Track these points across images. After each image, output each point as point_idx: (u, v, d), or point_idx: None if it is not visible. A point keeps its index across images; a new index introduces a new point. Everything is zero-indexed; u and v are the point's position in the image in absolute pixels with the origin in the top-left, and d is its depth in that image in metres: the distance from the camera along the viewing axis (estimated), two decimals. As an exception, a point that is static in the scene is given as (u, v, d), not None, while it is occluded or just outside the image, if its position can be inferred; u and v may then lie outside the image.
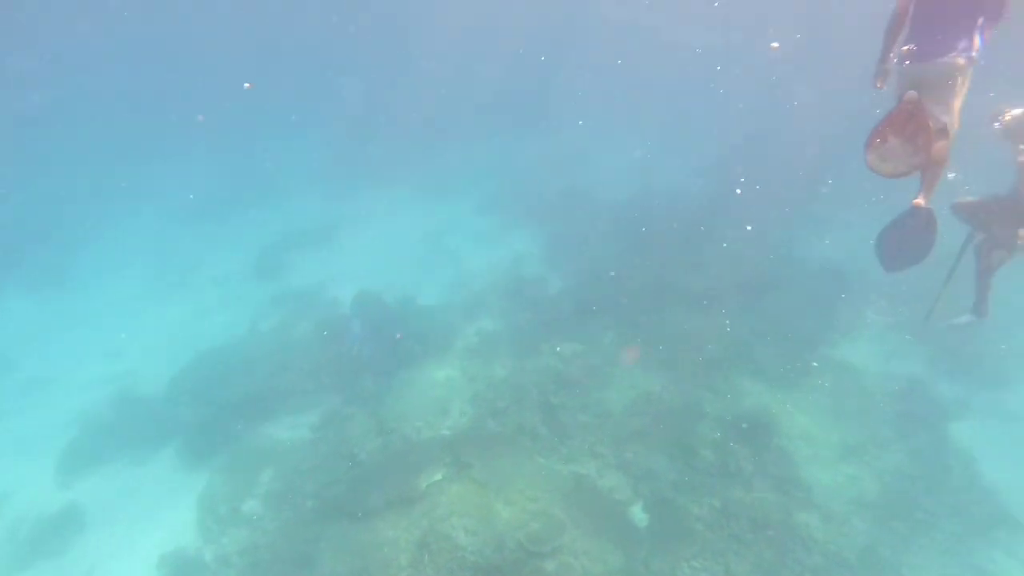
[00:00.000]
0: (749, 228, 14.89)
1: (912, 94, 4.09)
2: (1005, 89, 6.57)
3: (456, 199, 18.63)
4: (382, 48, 32.30)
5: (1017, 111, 5.34)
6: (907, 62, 4.22)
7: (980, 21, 4.13)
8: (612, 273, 13.82)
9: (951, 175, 5.63)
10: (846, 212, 17.17)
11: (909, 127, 4.14)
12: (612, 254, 14.62)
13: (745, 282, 13.70)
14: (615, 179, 19.02)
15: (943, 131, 4.33)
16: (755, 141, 19.43)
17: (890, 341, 13.42)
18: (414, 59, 30.08)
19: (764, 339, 12.57)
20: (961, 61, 4.12)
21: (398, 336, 12.67)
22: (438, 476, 9.93)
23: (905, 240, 4.84)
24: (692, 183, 18.38)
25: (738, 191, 16.13)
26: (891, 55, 4.45)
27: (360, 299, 14.18)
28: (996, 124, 5.38)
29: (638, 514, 9.46)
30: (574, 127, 23.23)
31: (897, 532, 9.39)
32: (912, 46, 4.22)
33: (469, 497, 9.49)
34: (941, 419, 11.46)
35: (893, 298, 13.81)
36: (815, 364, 12.40)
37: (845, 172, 17.06)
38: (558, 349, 12.34)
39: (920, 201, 4.50)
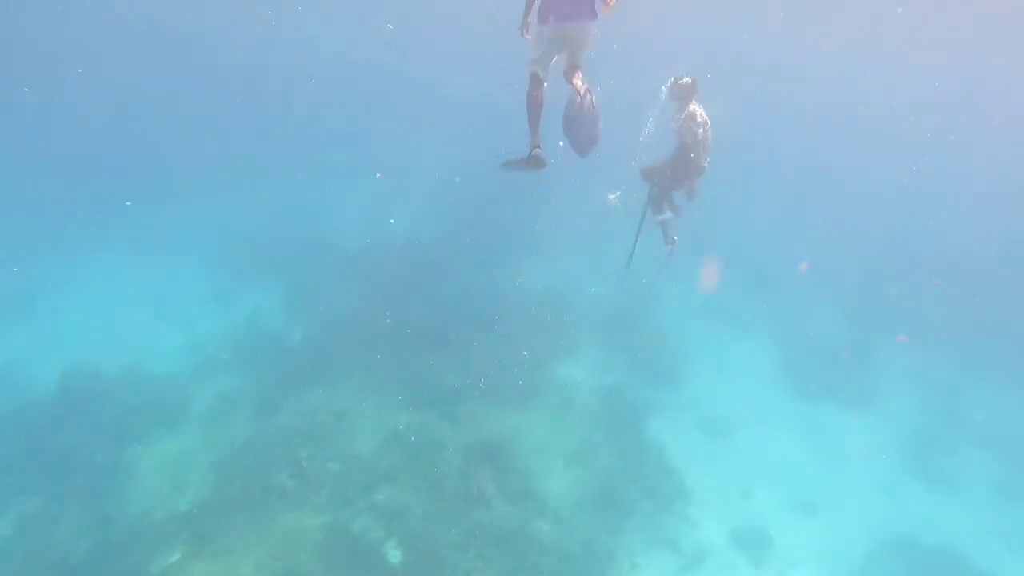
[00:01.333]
0: (478, 265, 16.39)
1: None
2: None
3: (183, 257, 17.24)
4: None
5: (684, 79, 6.84)
6: (552, 22, 5.33)
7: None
8: (353, 317, 14.13)
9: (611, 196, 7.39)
10: (558, 242, 19.75)
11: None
12: (353, 300, 14.94)
13: (477, 315, 15.03)
14: (351, 227, 19.43)
15: (577, 67, 5.67)
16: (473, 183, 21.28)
17: (599, 356, 15.82)
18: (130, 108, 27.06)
19: (497, 365, 13.92)
20: (591, 25, 5.39)
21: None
22: (175, 557, 9.23)
23: (577, 125, 5.96)
24: (426, 227, 19.57)
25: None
26: (529, 16, 5.55)
27: (69, 375, 12.41)
28: (663, 87, 6.91)
29: (391, 551, 9.87)
30: (305, 176, 23.21)
31: (609, 521, 11.14)
32: (553, 10, 5.31)
33: (212, 572, 9.02)
34: (638, 417, 13.85)
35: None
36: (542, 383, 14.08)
37: (555, 205, 19.74)
38: (303, 400, 12.26)
39: (577, 83, 5.66)
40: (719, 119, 7.02)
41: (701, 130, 6.91)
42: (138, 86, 29.13)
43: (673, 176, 7.36)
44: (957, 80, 38.97)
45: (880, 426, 15.29)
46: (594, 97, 5.79)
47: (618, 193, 7.78)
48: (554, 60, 5.55)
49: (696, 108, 6.94)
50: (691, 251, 22.20)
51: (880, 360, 17.53)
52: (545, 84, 5.53)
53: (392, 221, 19.41)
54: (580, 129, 5.95)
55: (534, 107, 5.45)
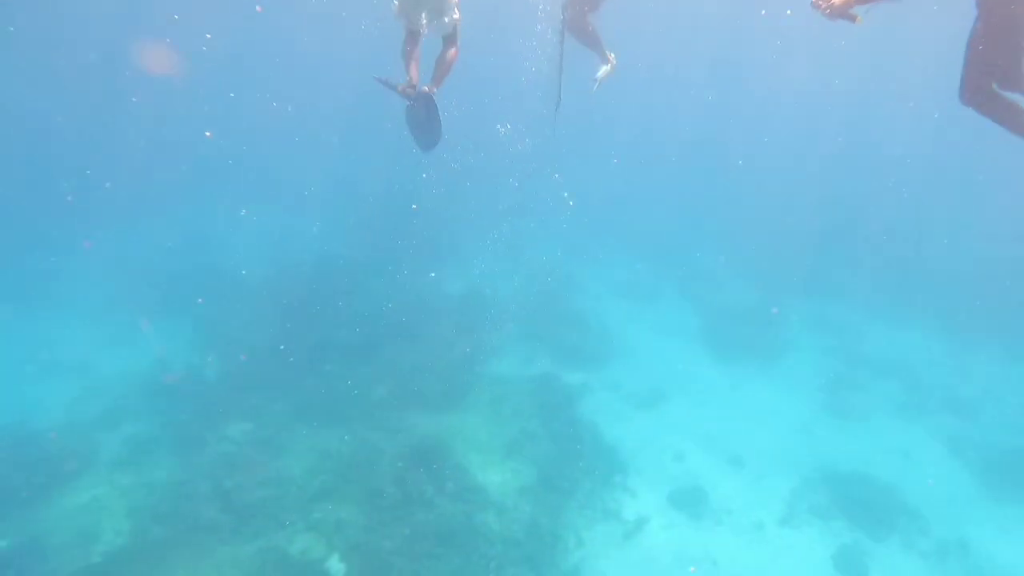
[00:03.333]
0: (394, 277, 16.29)
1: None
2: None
3: (68, 304, 16.17)
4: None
5: None
6: None
7: None
8: (270, 344, 13.71)
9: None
10: (475, 244, 19.94)
11: None
12: (268, 326, 14.48)
13: (399, 325, 14.92)
14: (255, 255, 18.89)
15: (453, 36, 6.08)
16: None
17: (525, 349, 16.03)
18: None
19: (424, 372, 13.86)
20: None
21: None
22: None
23: (422, 125, 6.45)
24: (335, 246, 19.30)
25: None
26: None
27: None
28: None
29: (335, 565, 9.59)
30: (194, 208, 22.43)
31: (551, 504, 11.25)
32: None
33: None
34: (570, 402, 14.10)
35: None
36: (471, 382, 14.13)
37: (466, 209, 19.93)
38: (225, 434, 11.78)
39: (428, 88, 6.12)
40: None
41: None
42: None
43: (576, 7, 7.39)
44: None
45: (793, 373, 16.26)
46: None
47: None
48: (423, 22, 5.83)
49: None
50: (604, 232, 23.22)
51: (787, 317, 18.63)
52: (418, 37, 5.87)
53: (298, 253, 18.95)
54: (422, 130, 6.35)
55: (406, 54, 5.97)
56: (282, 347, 13.50)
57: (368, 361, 14.01)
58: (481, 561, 10.06)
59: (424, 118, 6.36)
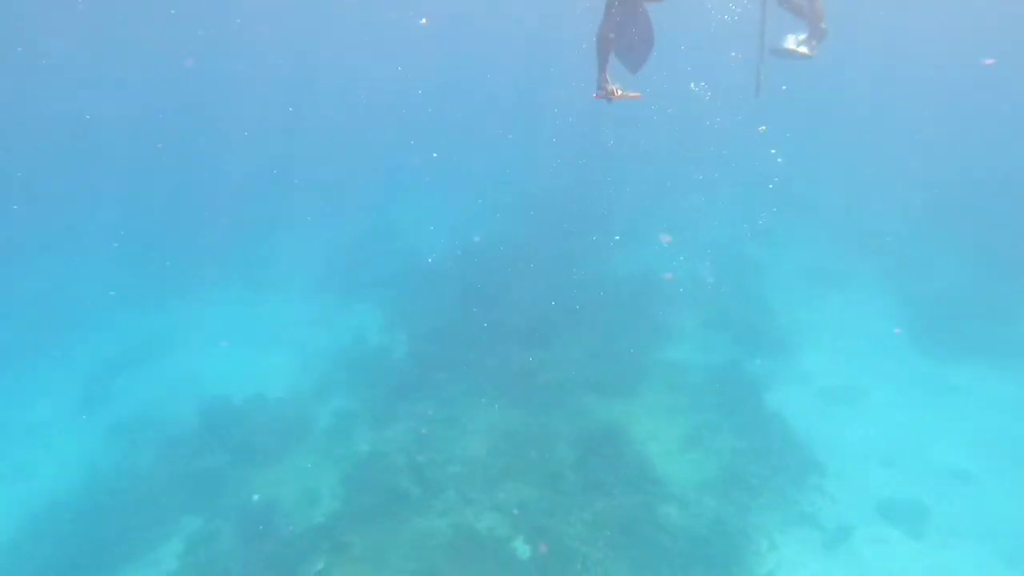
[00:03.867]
0: (567, 260, 16.33)
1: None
2: None
3: (284, 286, 18.31)
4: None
5: None
6: None
7: None
8: (452, 326, 14.43)
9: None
10: (652, 225, 19.35)
11: None
12: (449, 309, 15.24)
13: (572, 308, 14.95)
14: (439, 240, 19.91)
15: None
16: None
17: (704, 335, 15.31)
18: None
19: (599, 356, 13.76)
20: None
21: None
22: (320, 566, 9.65)
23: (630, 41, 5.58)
24: (511, 229, 19.75)
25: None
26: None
27: (206, 409, 13.41)
28: None
29: (520, 547, 9.88)
30: (392, 199, 24.05)
31: (738, 501, 10.67)
32: None
33: None
34: (754, 393, 13.27)
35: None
36: (647, 369, 13.80)
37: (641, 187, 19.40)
38: (416, 410, 12.59)
39: None
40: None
41: None
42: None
43: None
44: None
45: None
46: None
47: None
48: None
49: None
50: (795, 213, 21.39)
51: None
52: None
53: (477, 239, 19.59)
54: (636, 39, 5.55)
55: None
56: (463, 330, 14.14)
57: (544, 344, 14.22)
58: (664, 555, 9.82)
59: (635, 31, 5.47)
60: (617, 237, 17.93)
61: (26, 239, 23.74)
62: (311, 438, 12.48)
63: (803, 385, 13.89)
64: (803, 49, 5.93)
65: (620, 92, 5.06)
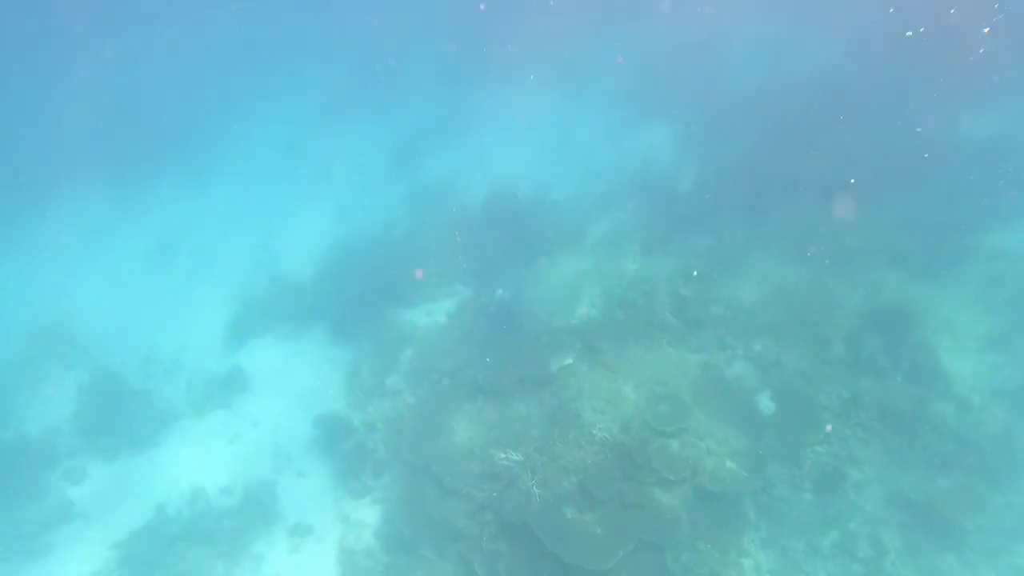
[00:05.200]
0: (898, 106, 13.67)
1: None
2: None
3: (586, 91, 18.37)
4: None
5: None
6: None
7: None
8: (747, 164, 13.43)
9: None
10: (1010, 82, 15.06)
11: None
12: (747, 143, 14.06)
13: (893, 167, 12.87)
14: (749, 63, 17.78)
15: None
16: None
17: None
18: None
19: (910, 228, 11.97)
20: None
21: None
22: (568, 360, 10.73)
23: None
24: (832, 64, 16.82)
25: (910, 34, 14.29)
26: None
27: (493, 194, 14.84)
28: None
29: (764, 402, 9.97)
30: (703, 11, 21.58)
31: (1037, 421, 9.22)
32: None
33: (598, 380, 10.27)
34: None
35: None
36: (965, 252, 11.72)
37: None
38: (689, 243, 12.52)
39: None
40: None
41: None
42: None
43: None
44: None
45: None
46: None
47: None
48: None
49: None
50: None
51: None
52: None
53: (799, 69, 16.83)
54: None
55: None
56: (757, 171, 13.09)
57: (851, 202, 12.64)
58: (924, 454, 9.17)
59: None
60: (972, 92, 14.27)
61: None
62: (583, 246, 13.31)
63: None
64: None
65: None
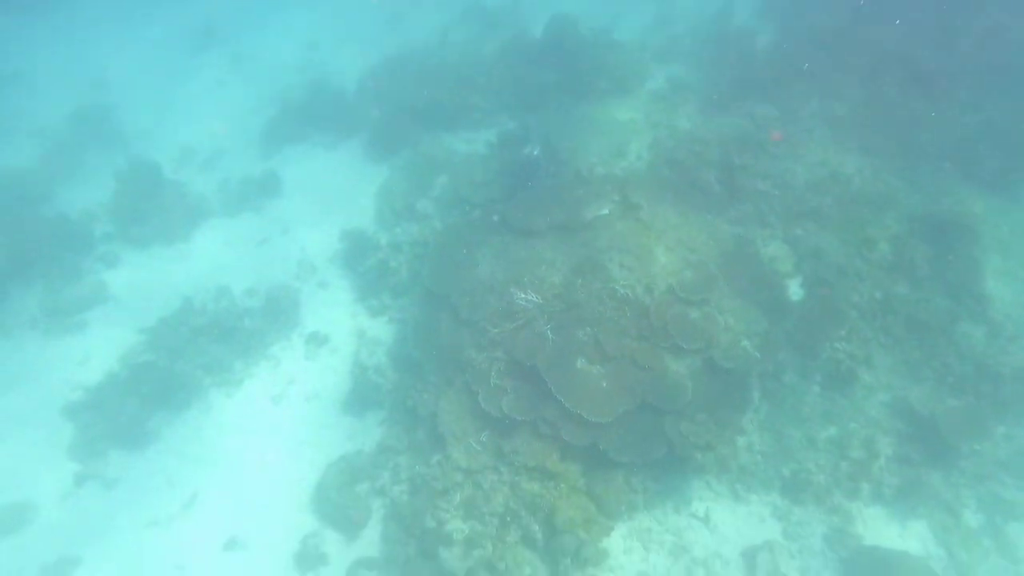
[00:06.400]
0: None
1: None
2: None
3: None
4: None
5: None
6: None
7: None
8: (835, 33, 11.99)
9: None
10: None
11: None
12: (838, 11, 12.47)
13: (997, 65, 11.50)
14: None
15: None
16: None
17: None
18: None
19: (995, 135, 10.93)
20: None
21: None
22: (604, 211, 10.09)
23: None
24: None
25: None
26: None
27: (554, 23, 13.47)
28: None
29: (793, 287, 9.62)
30: None
31: (1072, 359, 8.96)
32: None
33: (631, 236, 9.73)
34: None
35: None
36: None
37: None
38: (751, 109, 11.49)
39: None
40: None
41: None
42: None
43: None
44: None
45: None
46: None
47: None
48: None
49: None
50: None
51: None
52: None
53: None
54: None
55: None
56: (844, 44, 11.70)
57: (939, 96, 11.48)
58: (940, 371, 9.03)
59: None
60: None
61: None
62: (638, 95, 12.26)
63: None
64: None
65: None
